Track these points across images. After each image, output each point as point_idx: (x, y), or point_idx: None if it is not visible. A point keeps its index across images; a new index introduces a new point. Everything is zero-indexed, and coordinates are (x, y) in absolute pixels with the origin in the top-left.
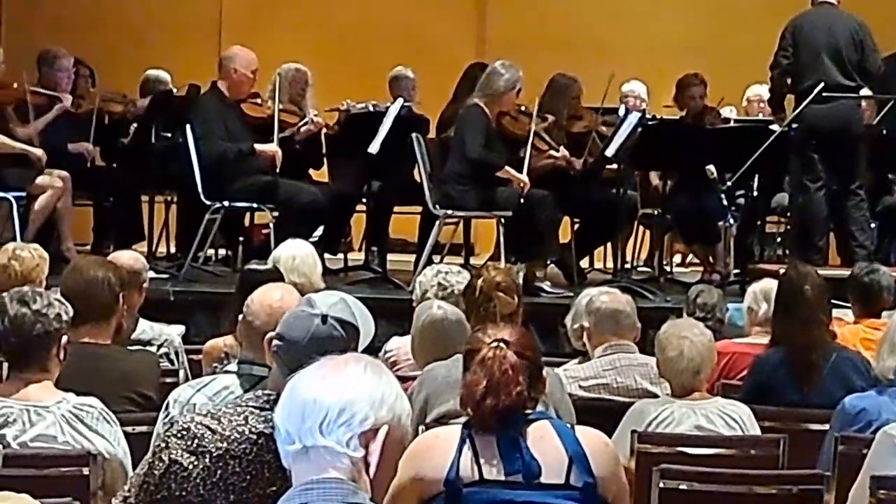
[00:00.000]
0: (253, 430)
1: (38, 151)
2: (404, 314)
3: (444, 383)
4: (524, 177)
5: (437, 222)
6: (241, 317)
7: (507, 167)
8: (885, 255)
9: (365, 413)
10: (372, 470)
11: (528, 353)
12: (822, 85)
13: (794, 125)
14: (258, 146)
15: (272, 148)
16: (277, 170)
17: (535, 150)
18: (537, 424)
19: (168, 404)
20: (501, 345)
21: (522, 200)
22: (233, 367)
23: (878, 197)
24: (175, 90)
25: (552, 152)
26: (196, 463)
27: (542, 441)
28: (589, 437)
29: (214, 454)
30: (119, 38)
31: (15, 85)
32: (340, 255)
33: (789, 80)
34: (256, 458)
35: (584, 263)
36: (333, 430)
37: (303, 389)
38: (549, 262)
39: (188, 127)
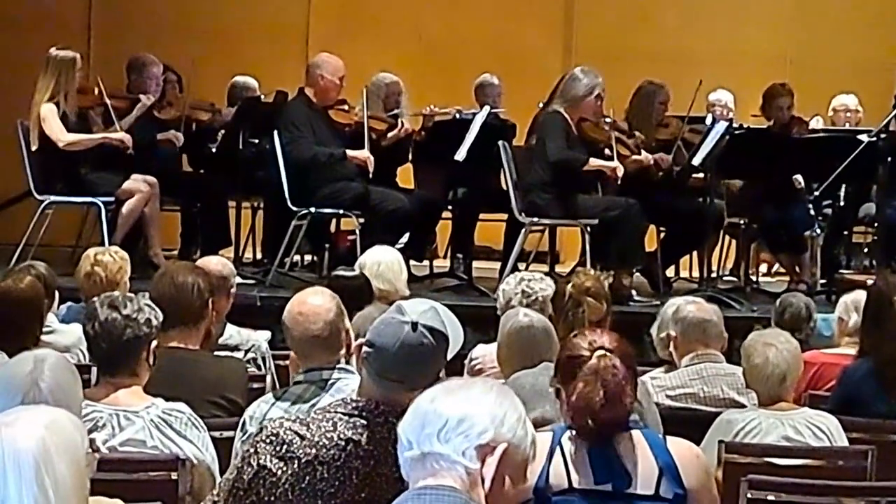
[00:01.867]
0: (342, 436)
1: (120, 134)
2: (489, 322)
3: (532, 391)
4: (615, 163)
5: (523, 230)
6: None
7: (592, 159)
8: None
9: (484, 426)
10: (487, 484)
11: (628, 361)
12: None
13: (883, 135)
14: (350, 152)
15: (364, 154)
16: (371, 175)
17: (620, 156)
18: (629, 434)
19: (245, 422)
20: (608, 353)
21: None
22: (300, 377)
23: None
24: (262, 97)
25: (635, 157)
26: (285, 468)
27: (634, 451)
28: (680, 448)
29: (303, 460)
30: (207, 46)
31: (95, 90)
32: (426, 262)
33: None
34: (345, 465)
35: (670, 272)
36: (451, 438)
37: (427, 401)
38: (635, 270)
39: (275, 133)
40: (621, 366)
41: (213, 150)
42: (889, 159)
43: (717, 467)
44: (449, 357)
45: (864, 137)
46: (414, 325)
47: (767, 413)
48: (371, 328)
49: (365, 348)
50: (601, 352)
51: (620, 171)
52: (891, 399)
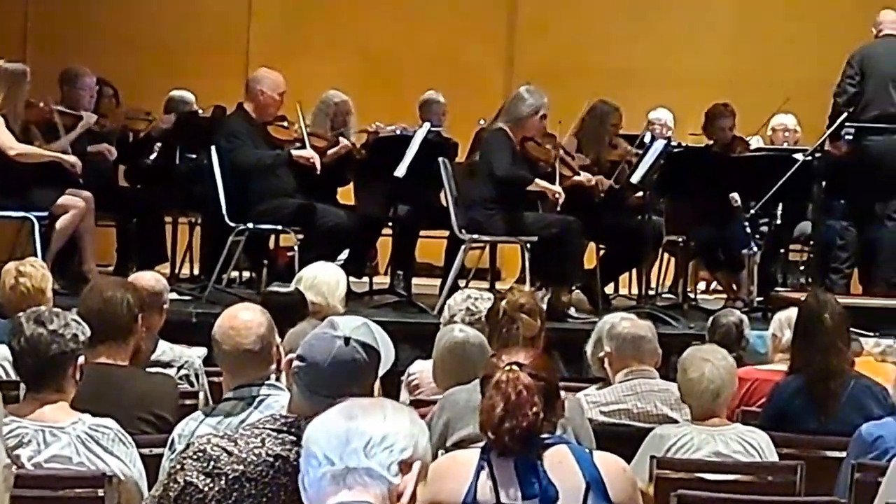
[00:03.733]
0: (270, 452)
1: (72, 158)
2: (428, 338)
3: (466, 407)
4: (557, 187)
5: (463, 247)
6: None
7: (537, 179)
8: None
9: (405, 443)
10: (405, 499)
11: (543, 375)
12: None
13: (818, 154)
14: (295, 151)
15: (309, 152)
16: (318, 171)
17: (561, 178)
18: (555, 449)
19: (174, 439)
20: (515, 367)
21: (558, 207)
22: (230, 393)
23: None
24: (200, 111)
25: (575, 178)
26: (212, 485)
27: (560, 466)
28: (607, 462)
29: (230, 476)
30: (146, 59)
31: (42, 104)
32: (366, 279)
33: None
34: (273, 481)
35: (609, 289)
36: (377, 452)
37: (344, 418)
38: (574, 287)
39: (213, 148)
40: (528, 379)
41: (150, 164)
42: (824, 178)
43: (648, 482)
44: (380, 374)
45: (799, 156)
46: (346, 341)
47: (699, 428)
48: (303, 343)
49: (296, 363)
50: (509, 367)
51: (562, 199)
52: (820, 415)
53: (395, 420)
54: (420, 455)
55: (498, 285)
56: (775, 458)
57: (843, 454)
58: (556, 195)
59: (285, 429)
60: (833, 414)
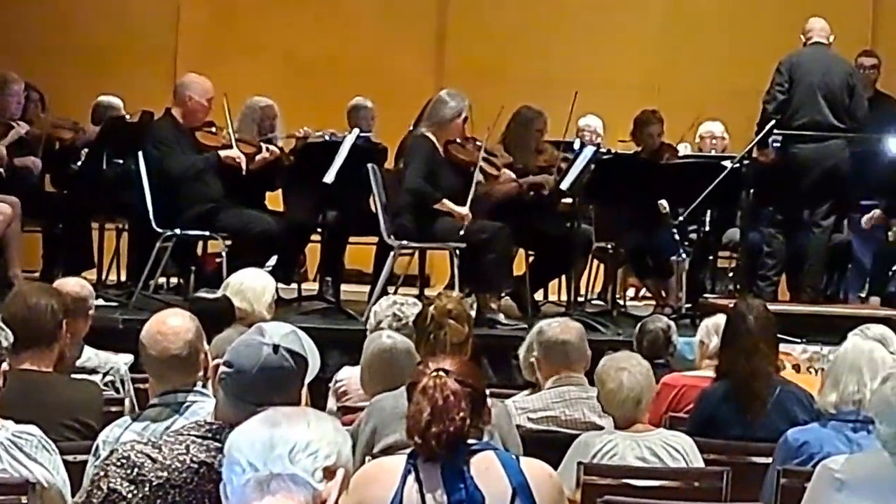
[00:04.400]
0: (194, 459)
1: None
2: (357, 345)
3: (392, 414)
4: (463, 210)
5: (392, 253)
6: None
7: (444, 200)
8: (834, 291)
9: (329, 450)
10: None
11: (470, 381)
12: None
13: (746, 161)
14: (222, 152)
15: (235, 152)
16: (244, 172)
17: (486, 176)
18: (482, 455)
19: (98, 446)
20: (441, 373)
21: (462, 232)
22: (155, 399)
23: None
24: (128, 116)
25: (503, 179)
26: (135, 492)
27: (487, 472)
28: (533, 468)
29: (154, 483)
30: (73, 64)
31: None
32: (294, 285)
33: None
34: (197, 488)
35: (539, 296)
36: (302, 458)
37: (267, 424)
38: (503, 294)
39: (140, 153)
40: (454, 384)
41: (77, 169)
42: (752, 185)
43: (575, 489)
44: (307, 381)
45: (727, 164)
46: (275, 348)
47: (624, 435)
48: (230, 349)
49: (223, 369)
50: (436, 373)
51: (468, 220)
52: (746, 420)
53: (319, 427)
54: (343, 463)
55: (427, 292)
56: (700, 463)
57: (769, 460)
58: (462, 218)
59: (210, 435)
60: (759, 419)
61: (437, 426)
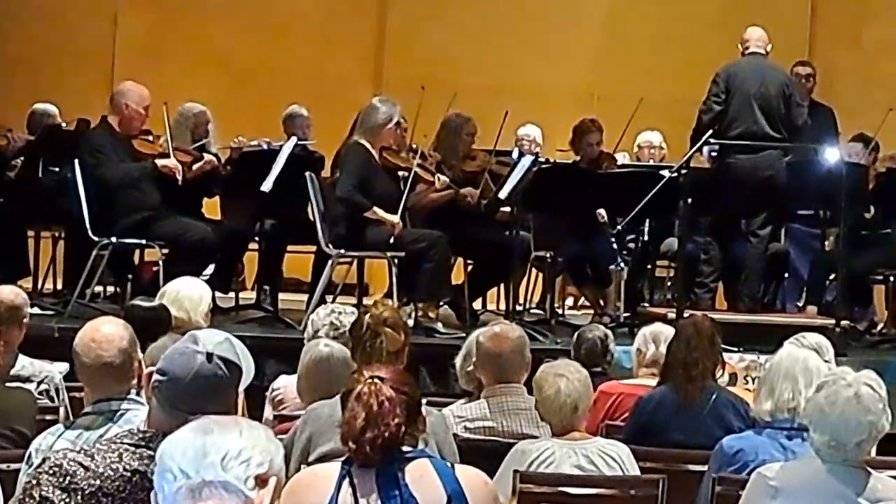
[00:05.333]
0: (127, 467)
1: None
2: (295, 353)
3: (329, 422)
4: (394, 217)
5: (330, 262)
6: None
7: (375, 209)
8: (771, 300)
9: (261, 458)
10: None
11: (405, 389)
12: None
13: (684, 170)
14: (159, 161)
15: (172, 161)
16: (180, 182)
17: (422, 183)
18: (416, 462)
19: (31, 454)
20: (376, 380)
21: (392, 240)
22: (89, 407)
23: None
24: (64, 124)
25: (436, 186)
26: (68, 500)
27: (421, 479)
28: (468, 475)
29: (87, 491)
30: (8, 71)
31: None
32: (232, 294)
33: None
34: (130, 496)
35: (477, 305)
36: (234, 466)
37: (200, 433)
38: (441, 302)
39: (76, 161)
40: (389, 390)
41: (12, 177)
42: (690, 195)
43: (511, 497)
44: (240, 389)
45: (665, 173)
46: (209, 356)
47: (560, 442)
48: (163, 357)
49: (156, 377)
50: (371, 380)
51: (398, 228)
52: (682, 428)
53: (252, 436)
54: (276, 471)
55: (366, 300)
56: (636, 471)
57: (705, 467)
58: (393, 226)
59: (143, 443)
60: (695, 427)
61: (371, 431)
